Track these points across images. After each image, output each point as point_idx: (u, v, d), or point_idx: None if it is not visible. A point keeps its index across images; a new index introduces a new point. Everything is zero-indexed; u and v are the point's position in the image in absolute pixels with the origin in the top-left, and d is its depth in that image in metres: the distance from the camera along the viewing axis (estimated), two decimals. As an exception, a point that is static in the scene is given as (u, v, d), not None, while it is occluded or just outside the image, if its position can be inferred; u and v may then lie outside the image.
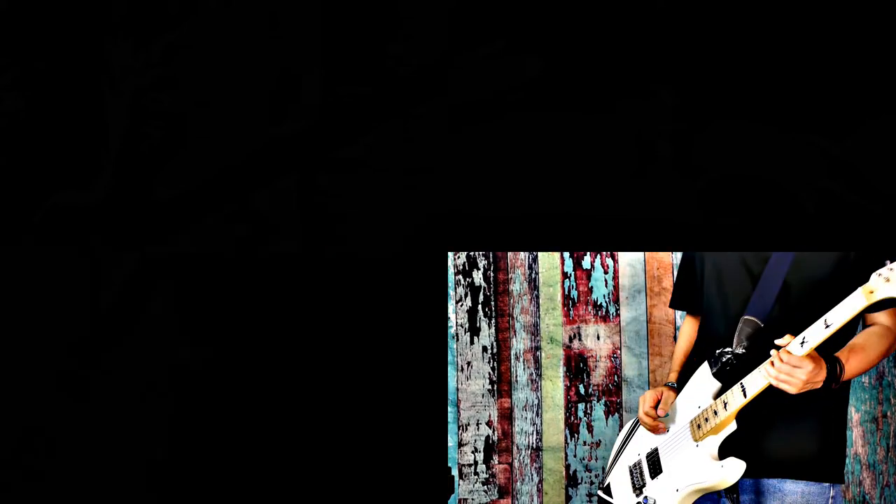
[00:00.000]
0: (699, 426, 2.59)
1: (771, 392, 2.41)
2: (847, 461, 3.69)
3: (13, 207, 2.52)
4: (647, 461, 2.75)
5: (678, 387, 2.77)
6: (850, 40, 2.50)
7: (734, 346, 2.58)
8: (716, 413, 2.54)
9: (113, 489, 2.51)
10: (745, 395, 2.45)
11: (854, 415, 3.71)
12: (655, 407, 2.72)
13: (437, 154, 2.52)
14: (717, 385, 2.59)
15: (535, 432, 3.87)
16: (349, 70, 2.53)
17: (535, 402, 3.87)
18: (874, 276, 2.23)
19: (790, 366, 2.35)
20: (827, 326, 2.32)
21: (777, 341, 2.38)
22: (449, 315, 3.87)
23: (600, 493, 2.89)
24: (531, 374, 3.87)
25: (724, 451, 2.53)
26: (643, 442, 2.81)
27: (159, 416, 2.51)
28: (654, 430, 2.72)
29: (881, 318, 2.57)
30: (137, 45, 2.52)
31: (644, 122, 2.51)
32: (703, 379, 2.64)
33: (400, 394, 2.55)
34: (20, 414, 2.52)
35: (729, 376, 2.56)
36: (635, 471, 2.79)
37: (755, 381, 2.43)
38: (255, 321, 2.54)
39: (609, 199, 2.51)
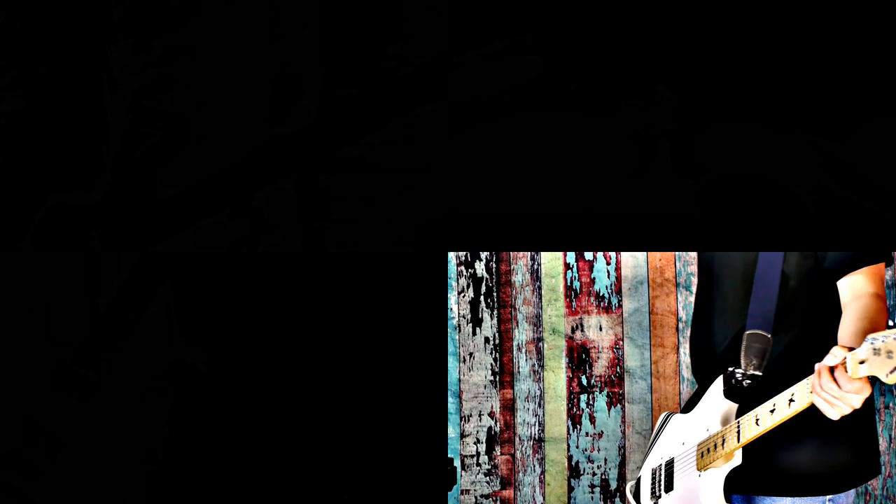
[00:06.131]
0: (703, 454, 2.45)
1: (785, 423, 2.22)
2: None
3: (13, 207, 2.52)
4: (665, 471, 2.62)
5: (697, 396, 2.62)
6: (850, 40, 2.49)
7: (744, 367, 2.41)
8: (724, 442, 2.37)
9: (113, 489, 2.52)
10: (758, 426, 2.26)
11: (856, 406, 3.71)
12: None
13: (437, 154, 2.51)
14: (727, 406, 2.43)
15: (537, 423, 3.88)
16: (349, 70, 2.52)
17: (538, 393, 3.88)
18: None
19: (846, 392, 2.05)
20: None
21: (830, 358, 2.09)
22: (451, 306, 3.88)
23: (629, 493, 2.81)
24: (533, 365, 3.88)
25: (734, 483, 2.38)
26: (666, 447, 2.67)
27: (159, 416, 2.52)
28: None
29: (862, 286, 2.36)
30: (137, 45, 2.52)
31: (644, 122, 2.50)
32: (716, 397, 2.48)
33: (399, 395, 2.56)
34: (21, 413, 2.53)
35: (741, 399, 2.41)
36: (656, 476, 2.66)
37: (771, 415, 2.22)
38: (255, 321, 2.54)
39: (609, 199, 2.51)
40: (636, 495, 2.76)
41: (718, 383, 2.48)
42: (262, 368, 2.55)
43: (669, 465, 2.62)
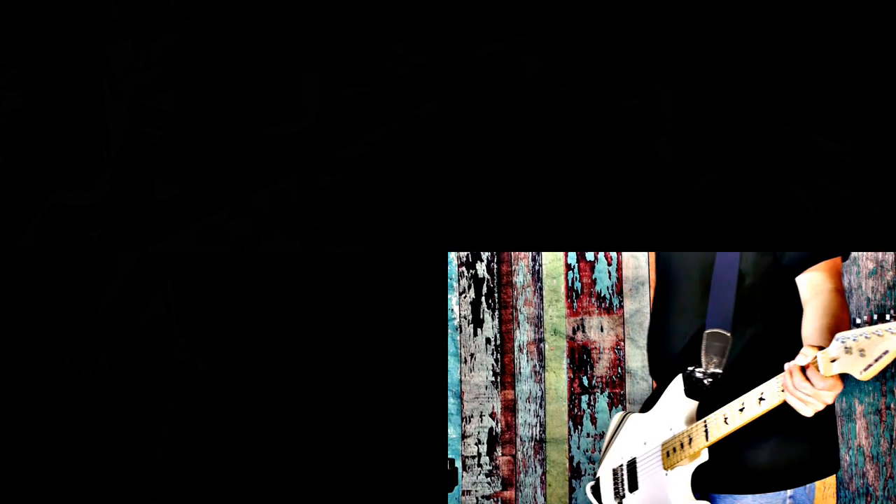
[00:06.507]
0: (668, 454, 2.45)
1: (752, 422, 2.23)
2: (850, 453, 3.70)
3: (13, 207, 2.52)
4: (628, 471, 2.63)
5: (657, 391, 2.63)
6: (850, 40, 2.49)
7: (704, 366, 2.43)
8: (691, 441, 2.38)
9: (113, 489, 2.52)
10: (727, 424, 2.27)
11: (857, 407, 3.71)
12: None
13: (437, 154, 2.51)
14: (689, 405, 2.43)
15: (538, 424, 3.88)
16: (349, 70, 2.52)
17: (539, 393, 3.88)
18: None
19: (819, 389, 2.05)
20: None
21: (801, 357, 2.07)
22: (452, 307, 3.88)
23: (589, 493, 2.81)
24: (534, 366, 3.88)
25: (696, 480, 2.39)
26: (626, 446, 2.68)
27: (159, 416, 2.52)
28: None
29: (820, 281, 2.35)
30: (137, 45, 2.52)
31: (644, 122, 2.50)
32: (676, 396, 2.48)
33: (399, 395, 2.56)
34: (21, 413, 2.53)
35: (702, 397, 2.43)
36: (618, 476, 2.67)
37: (740, 413, 2.23)
38: (255, 321, 2.54)
39: (609, 199, 2.51)
40: (597, 495, 2.77)
41: (678, 383, 2.49)
42: (262, 368, 2.55)
43: (632, 464, 2.62)
